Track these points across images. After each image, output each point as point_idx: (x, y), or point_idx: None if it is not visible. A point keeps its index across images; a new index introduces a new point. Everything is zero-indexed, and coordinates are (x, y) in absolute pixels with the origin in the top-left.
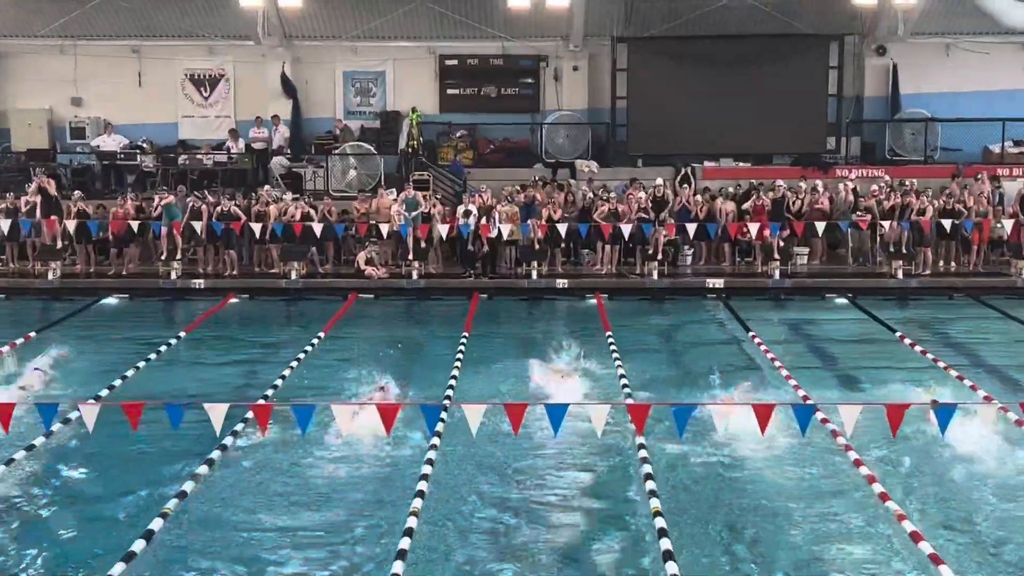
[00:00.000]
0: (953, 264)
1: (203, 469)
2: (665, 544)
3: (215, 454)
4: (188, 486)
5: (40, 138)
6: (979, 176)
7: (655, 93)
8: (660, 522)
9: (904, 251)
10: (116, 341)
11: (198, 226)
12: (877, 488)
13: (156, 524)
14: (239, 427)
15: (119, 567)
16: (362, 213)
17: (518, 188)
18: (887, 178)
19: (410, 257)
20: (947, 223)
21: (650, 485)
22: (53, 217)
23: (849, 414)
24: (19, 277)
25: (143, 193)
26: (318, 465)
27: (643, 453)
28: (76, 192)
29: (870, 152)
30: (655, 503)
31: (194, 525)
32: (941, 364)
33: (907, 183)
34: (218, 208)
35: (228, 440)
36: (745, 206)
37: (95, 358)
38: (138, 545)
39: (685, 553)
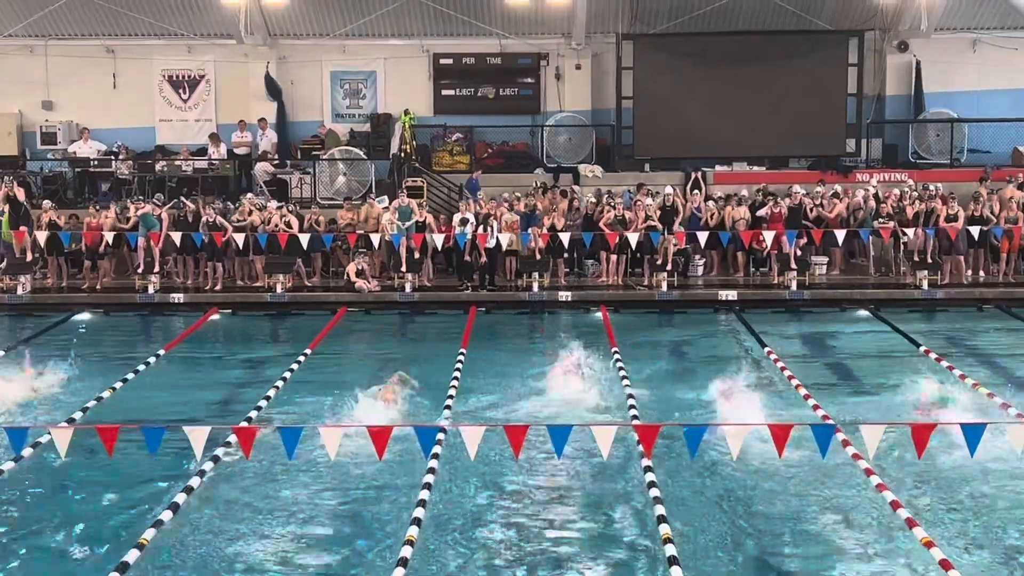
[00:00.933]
0: (982, 273)
1: (182, 497)
2: (676, 574)
3: (195, 480)
4: (166, 515)
5: (9, 144)
6: (1009, 179)
7: (663, 93)
8: (671, 549)
9: (929, 260)
10: (90, 360)
11: (177, 237)
12: (903, 513)
13: (132, 556)
14: (220, 451)
15: None
16: (347, 223)
17: (518, 195)
18: (910, 182)
19: (403, 269)
20: (975, 230)
21: (660, 510)
22: (23, 228)
23: (872, 435)
24: None
25: (119, 202)
26: (305, 491)
27: (651, 476)
28: (46, 202)
29: (892, 154)
30: (665, 529)
31: (172, 557)
32: (970, 381)
33: (931, 187)
34: (203, 219)
35: (208, 465)
36: (760, 213)
37: (68, 378)
38: None
39: None
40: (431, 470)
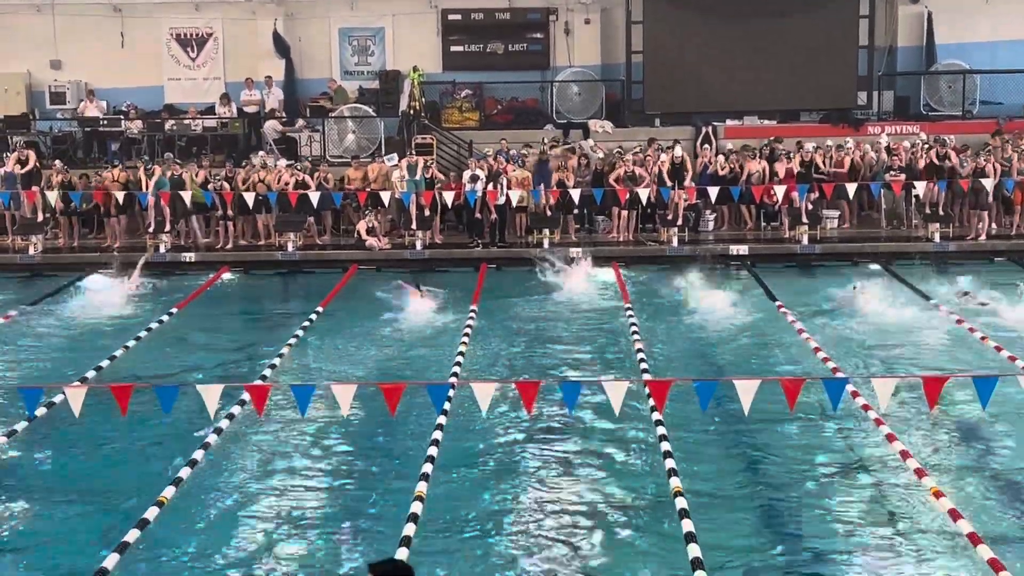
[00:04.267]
0: (994, 226)
1: (198, 454)
2: (688, 526)
3: (211, 438)
4: (184, 472)
5: (17, 104)
6: (1022, 131)
7: (673, 47)
8: (681, 502)
9: (941, 213)
10: (103, 319)
11: (186, 196)
12: (912, 464)
13: (151, 513)
14: (235, 409)
15: (112, 558)
16: (356, 180)
17: (525, 152)
18: (922, 135)
19: (413, 226)
20: (988, 183)
21: (670, 464)
22: (34, 188)
23: (883, 387)
24: None
25: (128, 161)
26: (319, 447)
27: (662, 431)
28: (57, 162)
29: (904, 107)
30: (675, 482)
31: (190, 513)
32: (978, 334)
33: (947, 140)
34: (211, 184)
35: (224, 423)
36: (777, 168)
37: (81, 338)
38: (132, 535)
39: (707, 533)
40: (440, 426)
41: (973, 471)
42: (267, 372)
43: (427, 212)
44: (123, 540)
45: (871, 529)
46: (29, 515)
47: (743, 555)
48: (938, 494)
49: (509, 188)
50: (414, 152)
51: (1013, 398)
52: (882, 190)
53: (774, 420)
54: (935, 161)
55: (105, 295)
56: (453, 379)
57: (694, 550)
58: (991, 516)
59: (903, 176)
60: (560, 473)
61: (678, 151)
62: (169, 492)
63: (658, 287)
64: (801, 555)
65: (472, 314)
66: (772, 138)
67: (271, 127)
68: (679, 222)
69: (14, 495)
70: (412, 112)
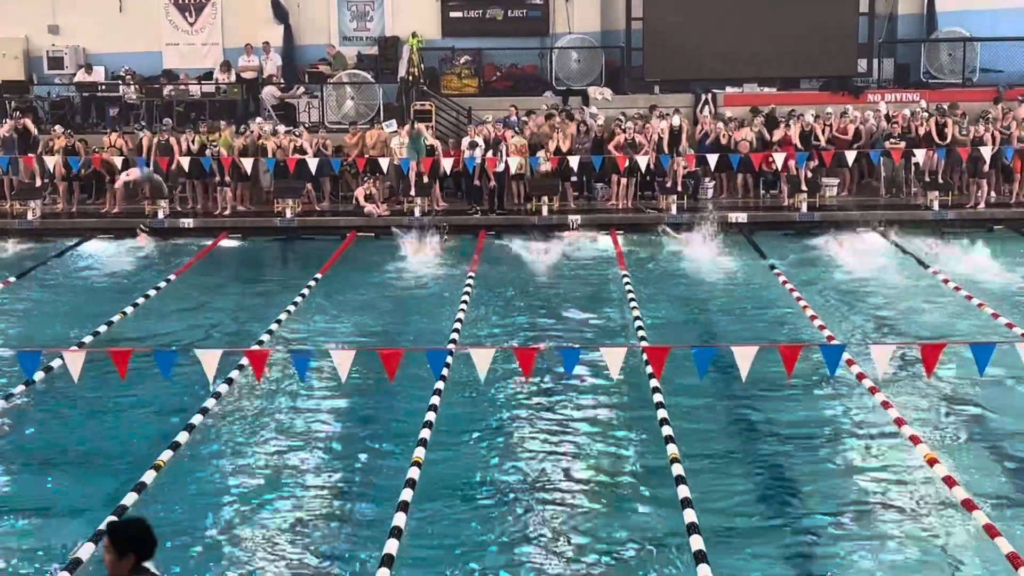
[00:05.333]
0: (993, 194)
1: (197, 419)
2: (683, 491)
3: (209, 403)
4: (182, 437)
5: (15, 69)
6: (1021, 99)
7: (673, 13)
8: (678, 469)
9: (940, 181)
10: (102, 285)
11: (186, 162)
12: (907, 431)
13: (148, 476)
14: (234, 374)
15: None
16: (353, 145)
17: (526, 119)
18: (922, 103)
19: (412, 193)
20: (986, 151)
21: (667, 430)
22: (31, 154)
23: (881, 354)
24: None
25: (126, 127)
26: (317, 412)
27: (659, 397)
28: (58, 126)
29: (904, 74)
30: (672, 449)
31: (189, 476)
32: (975, 301)
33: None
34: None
35: (222, 388)
36: (775, 138)
37: (79, 303)
38: (130, 498)
39: (705, 499)
40: (438, 392)
41: (968, 438)
42: (265, 338)
43: (426, 179)
44: (120, 503)
45: (865, 496)
46: (26, 478)
47: (738, 520)
48: (933, 461)
49: (508, 155)
50: (415, 122)
51: (1009, 364)
52: (881, 158)
53: (771, 386)
54: (933, 132)
55: (104, 260)
56: (451, 345)
57: (690, 515)
58: (986, 483)
59: (903, 144)
60: (557, 439)
61: (676, 120)
62: (167, 456)
63: (655, 254)
64: (796, 520)
65: (470, 281)
66: (770, 106)
67: (269, 93)
68: (678, 189)
69: (12, 459)
70: (411, 78)
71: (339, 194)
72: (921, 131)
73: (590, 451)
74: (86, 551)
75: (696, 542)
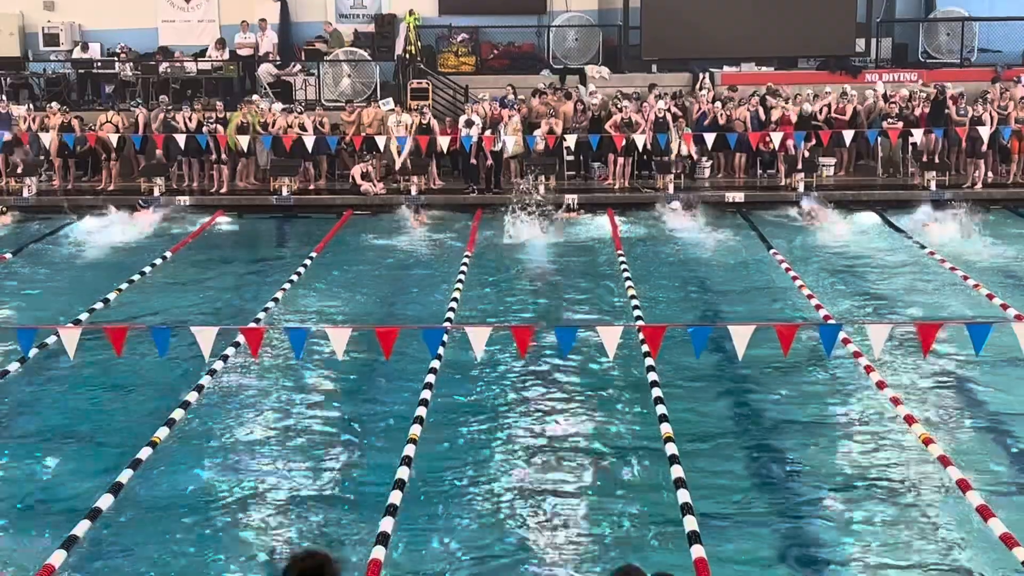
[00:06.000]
0: (991, 175)
1: (192, 396)
2: (677, 471)
3: (205, 380)
4: (177, 414)
5: (11, 45)
6: (1019, 79)
7: None
8: (672, 448)
9: (937, 161)
10: (98, 262)
11: (182, 140)
12: (903, 411)
13: (144, 453)
14: (229, 351)
15: (107, 499)
16: (350, 124)
17: (523, 98)
18: (920, 82)
19: (408, 171)
20: (984, 131)
21: (661, 409)
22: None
23: (877, 334)
24: None
25: (121, 104)
26: (312, 389)
27: (654, 376)
28: (54, 103)
29: (902, 54)
30: (667, 428)
31: (184, 454)
32: (971, 281)
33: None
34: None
35: (218, 365)
36: (774, 119)
37: (75, 280)
38: (125, 475)
39: (699, 478)
40: (433, 370)
41: (964, 418)
42: (261, 315)
43: (423, 157)
44: (116, 480)
45: (859, 475)
46: (23, 455)
47: (733, 500)
48: (928, 441)
49: (506, 134)
50: (411, 106)
51: (1004, 344)
52: (878, 138)
53: (767, 366)
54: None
55: (100, 237)
56: (447, 323)
57: (684, 495)
58: (981, 463)
59: (900, 124)
60: (552, 418)
61: (662, 105)
62: (162, 433)
63: (651, 233)
64: (790, 500)
65: (466, 259)
66: (767, 85)
67: (265, 71)
68: (675, 169)
69: (7, 435)
70: (408, 56)
71: (335, 172)
72: (918, 112)
73: (585, 430)
74: (81, 528)
75: (690, 523)
